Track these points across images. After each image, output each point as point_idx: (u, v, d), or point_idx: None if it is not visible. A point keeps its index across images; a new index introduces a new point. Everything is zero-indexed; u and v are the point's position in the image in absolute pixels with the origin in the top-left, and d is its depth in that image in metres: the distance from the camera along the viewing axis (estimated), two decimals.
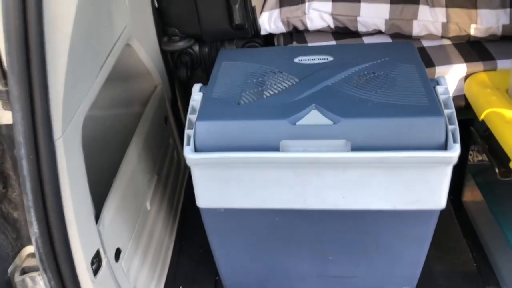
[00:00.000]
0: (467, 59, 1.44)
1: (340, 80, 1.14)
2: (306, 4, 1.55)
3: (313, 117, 1.04)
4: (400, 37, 1.54)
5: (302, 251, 1.24)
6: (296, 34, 1.63)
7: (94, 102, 1.46)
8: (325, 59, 1.24)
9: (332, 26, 1.57)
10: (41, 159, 0.88)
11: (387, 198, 1.07)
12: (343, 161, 1.01)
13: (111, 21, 1.19)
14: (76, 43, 0.92)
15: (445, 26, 1.48)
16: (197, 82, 1.22)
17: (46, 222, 0.93)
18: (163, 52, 1.69)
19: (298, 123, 1.03)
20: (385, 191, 1.06)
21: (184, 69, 1.74)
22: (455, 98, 1.48)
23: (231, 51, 1.36)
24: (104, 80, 1.14)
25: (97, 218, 1.14)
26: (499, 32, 1.46)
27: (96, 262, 1.11)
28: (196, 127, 1.06)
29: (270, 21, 1.60)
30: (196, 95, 1.16)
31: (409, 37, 1.53)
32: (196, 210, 1.22)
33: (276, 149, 1.04)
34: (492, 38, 1.49)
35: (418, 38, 1.54)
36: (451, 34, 1.49)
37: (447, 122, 1.00)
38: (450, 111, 1.03)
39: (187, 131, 1.08)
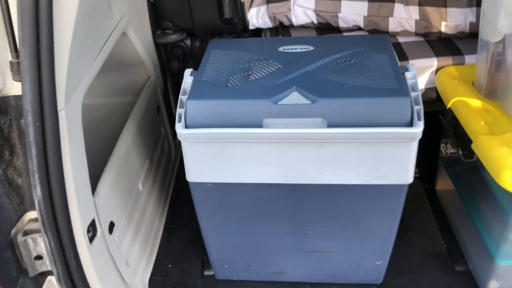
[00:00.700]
0: (438, 54, 1.56)
1: (319, 67, 1.25)
2: (291, 1, 1.67)
3: (294, 97, 1.15)
4: (378, 33, 1.65)
5: (284, 226, 1.34)
6: (282, 29, 1.75)
7: (93, 89, 1.56)
8: (306, 48, 1.35)
9: (315, 21, 1.68)
10: (46, 127, 0.97)
11: (359, 173, 1.18)
12: (319, 137, 1.11)
13: (110, 9, 1.29)
14: (79, 25, 1.01)
15: (418, 23, 1.60)
16: None
17: (48, 186, 1.02)
18: (157, 45, 1.79)
19: (280, 102, 1.14)
20: (358, 166, 1.16)
21: (176, 61, 1.84)
22: (428, 90, 1.60)
23: (221, 41, 1.46)
24: (102, 62, 1.24)
25: (93, 192, 1.23)
26: (467, 29, 1.59)
27: (92, 231, 1.19)
28: (187, 106, 1.16)
29: (258, 16, 1.71)
30: (188, 78, 1.26)
31: (386, 33, 1.65)
32: (187, 197, 1.31)
33: (259, 126, 1.14)
34: (461, 35, 1.62)
35: (394, 34, 1.66)
36: (423, 31, 1.62)
37: (413, 103, 1.11)
38: (416, 93, 1.14)
39: (179, 110, 1.18)
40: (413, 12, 1.59)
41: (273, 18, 1.70)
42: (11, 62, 0.96)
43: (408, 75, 1.21)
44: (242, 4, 1.69)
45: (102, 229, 1.25)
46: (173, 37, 1.79)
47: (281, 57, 1.31)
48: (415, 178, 1.90)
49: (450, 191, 1.68)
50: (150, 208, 1.65)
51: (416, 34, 1.64)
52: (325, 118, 1.12)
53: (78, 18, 0.99)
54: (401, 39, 1.65)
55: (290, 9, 1.67)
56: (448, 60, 1.56)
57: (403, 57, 1.57)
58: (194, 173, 1.23)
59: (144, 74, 1.74)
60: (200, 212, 1.33)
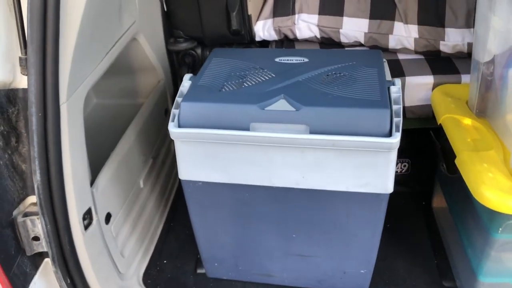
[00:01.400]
0: (435, 72, 1.60)
1: (309, 77, 1.32)
2: (296, 15, 1.75)
3: (280, 104, 1.21)
4: (378, 49, 1.71)
5: (270, 228, 1.40)
6: (286, 42, 1.82)
7: (104, 89, 1.67)
8: (301, 60, 1.42)
9: (318, 36, 1.75)
10: (48, 117, 1.07)
11: (340, 180, 1.23)
12: (301, 142, 1.17)
13: (120, 14, 1.40)
14: (85, 26, 1.11)
15: (417, 41, 1.65)
16: None
17: (47, 172, 1.12)
18: (169, 51, 1.90)
19: (267, 108, 1.20)
20: (339, 173, 1.21)
21: (186, 68, 1.94)
22: (424, 106, 1.64)
23: (223, 49, 1.55)
24: (109, 64, 1.34)
25: (92, 183, 1.33)
26: (465, 49, 1.62)
27: (88, 219, 1.28)
28: (181, 107, 1.24)
29: (264, 29, 1.80)
30: (186, 82, 1.35)
31: (386, 49, 1.70)
32: None
33: (247, 129, 1.21)
34: (460, 55, 1.65)
35: (394, 51, 1.71)
36: (423, 49, 1.66)
37: (393, 115, 1.16)
38: (398, 106, 1.19)
39: (174, 111, 1.26)
40: (412, 30, 1.64)
41: (278, 31, 1.78)
42: (20, 58, 1.07)
43: (393, 89, 1.26)
44: (249, 17, 1.78)
45: (98, 218, 1.34)
46: (184, 45, 1.89)
47: (276, 67, 1.39)
48: (413, 194, 1.94)
49: (444, 208, 1.70)
50: (150, 205, 1.73)
51: (416, 52, 1.69)
52: (308, 125, 1.18)
53: (83, 20, 1.09)
54: (400, 56, 1.70)
55: (294, 23, 1.74)
56: (445, 78, 1.60)
57: (401, 73, 1.62)
58: (186, 171, 1.30)
59: (154, 79, 1.85)
60: (191, 209, 1.41)
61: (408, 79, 1.60)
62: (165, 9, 1.83)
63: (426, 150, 1.88)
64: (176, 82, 2.01)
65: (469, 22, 1.61)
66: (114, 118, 1.74)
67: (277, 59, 1.44)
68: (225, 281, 1.60)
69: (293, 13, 1.75)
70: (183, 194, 1.95)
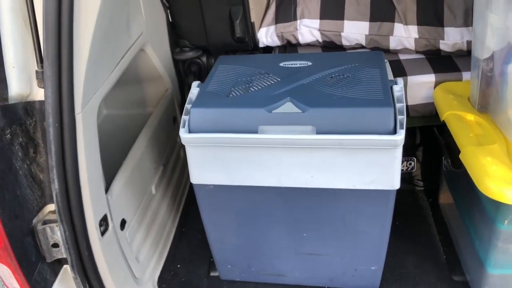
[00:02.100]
0: (436, 70, 1.64)
1: (314, 80, 1.36)
2: (298, 21, 1.79)
3: (287, 107, 1.25)
4: (379, 50, 1.75)
5: (281, 228, 1.43)
6: (289, 47, 1.87)
7: (114, 99, 1.71)
8: (305, 64, 1.46)
9: (320, 40, 1.79)
10: (64, 127, 1.12)
11: (348, 178, 1.26)
12: (308, 143, 1.21)
13: (128, 27, 1.45)
14: (97, 40, 1.16)
15: (417, 41, 1.69)
16: None
17: (65, 181, 1.16)
18: (175, 61, 1.95)
19: (274, 111, 1.24)
20: (346, 171, 1.25)
21: (192, 76, 1.99)
22: (426, 104, 1.67)
23: (228, 56, 1.59)
24: (119, 74, 1.39)
25: (107, 190, 1.37)
26: (464, 47, 1.66)
27: (104, 225, 1.32)
28: (191, 113, 1.28)
29: (267, 35, 1.84)
30: (194, 89, 1.40)
31: (387, 50, 1.74)
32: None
33: (255, 132, 1.25)
34: (460, 53, 1.69)
35: (395, 52, 1.75)
36: (423, 49, 1.70)
37: (397, 113, 1.20)
38: (401, 104, 1.23)
39: (184, 117, 1.31)
40: (412, 31, 1.68)
41: (281, 37, 1.82)
42: (36, 72, 1.11)
43: (396, 88, 1.29)
44: (252, 24, 1.83)
45: (113, 224, 1.37)
46: (190, 54, 1.94)
47: (281, 71, 1.43)
48: (420, 191, 1.97)
49: (451, 204, 1.73)
50: (162, 211, 1.77)
51: (417, 51, 1.73)
52: (315, 125, 1.21)
53: (95, 34, 1.14)
54: (402, 56, 1.74)
55: (296, 29, 1.79)
56: (446, 76, 1.63)
57: (403, 73, 1.66)
58: (197, 175, 1.34)
59: (162, 87, 1.89)
60: (204, 213, 1.44)
61: (410, 79, 1.64)
62: (170, 20, 1.88)
63: (431, 148, 1.91)
64: (183, 90, 2.05)
65: (467, 20, 1.64)
66: (124, 127, 1.78)
67: (281, 64, 1.48)
68: (238, 282, 1.63)
69: (295, 18, 1.79)
70: (193, 200, 1.99)
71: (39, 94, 1.15)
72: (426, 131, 1.87)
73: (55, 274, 1.28)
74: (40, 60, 1.09)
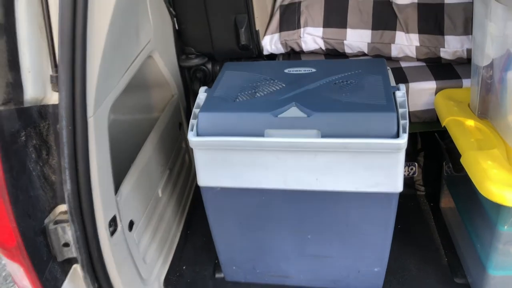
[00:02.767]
0: (437, 77, 1.68)
1: (318, 86, 1.39)
2: (301, 29, 1.83)
3: (292, 111, 1.29)
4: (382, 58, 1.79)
5: (286, 230, 1.46)
6: (293, 55, 1.91)
7: (122, 105, 1.75)
8: (309, 70, 1.50)
9: (323, 48, 1.84)
10: (77, 130, 1.15)
11: (352, 181, 1.30)
12: (313, 146, 1.25)
13: (137, 34, 1.49)
14: (108, 46, 1.20)
15: (418, 49, 1.73)
16: None
17: (77, 182, 1.19)
18: (181, 67, 1.99)
19: (280, 115, 1.28)
20: (350, 174, 1.28)
21: (198, 83, 2.03)
22: (427, 111, 1.71)
23: (234, 63, 1.63)
24: (128, 80, 1.43)
25: (116, 191, 1.40)
26: (464, 55, 1.70)
27: (113, 226, 1.35)
28: (199, 117, 1.32)
29: (271, 43, 1.89)
30: (202, 94, 1.44)
31: (389, 58, 1.78)
32: (203, 207, 1.46)
33: (261, 136, 1.28)
34: (460, 61, 1.73)
35: (397, 60, 1.79)
36: (424, 56, 1.74)
37: (400, 117, 1.23)
38: (404, 109, 1.26)
39: (192, 121, 1.34)
40: (414, 39, 1.72)
41: (285, 44, 1.87)
42: (51, 76, 1.15)
43: (398, 93, 1.33)
44: (257, 32, 1.87)
45: (122, 225, 1.41)
46: (196, 61, 1.98)
47: (286, 78, 1.47)
48: (421, 196, 2.01)
49: (452, 208, 1.76)
50: (168, 213, 1.80)
51: (418, 59, 1.77)
52: (320, 129, 1.25)
53: (107, 41, 1.18)
54: (403, 64, 1.78)
55: (300, 37, 1.83)
56: (447, 83, 1.67)
57: (404, 80, 1.69)
58: (204, 178, 1.38)
59: (168, 94, 1.93)
60: (210, 215, 1.48)
61: (412, 85, 1.67)
62: (177, 28, 1.92)
63: (432, 154, 1.95)
64: (189, 96, 2.09)
65: (467, 29, 1.69)
66: (130, 132, 1.82)
67: (286, 70, 1.52)
68: (243, 284, 1.66)
69: (299, 27, 1.84)
70: (198, 203, 2.03)
71: (52, 98, 1.18)
72: (427, 137, 1.91)
73: (65, 273, 1.31)
74: (55, 65, 1.13)
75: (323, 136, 1.25)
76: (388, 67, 1.50)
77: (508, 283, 1.42)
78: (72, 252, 1.26)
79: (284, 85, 1.42)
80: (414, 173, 1.97)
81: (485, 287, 1.45)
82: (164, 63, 1.82)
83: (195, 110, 1.37)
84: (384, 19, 1.77)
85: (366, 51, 1.79)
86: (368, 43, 1.76)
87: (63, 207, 1.28)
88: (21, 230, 1.14)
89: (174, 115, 1.92)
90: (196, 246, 1.85)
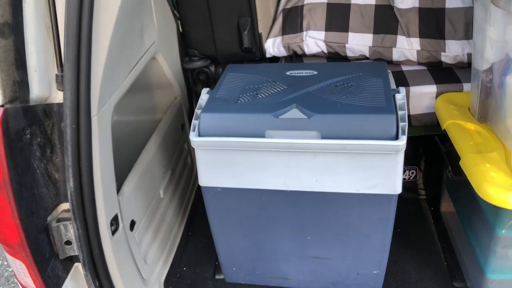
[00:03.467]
0: (438, 81, 1.69)
1: (319, 88, 1.41)
2: (304, 32, 1.85)
3: (293, 113, 1.31)
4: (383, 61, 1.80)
5: (285, 231, 1.47)
6: (295, 58, 1.93)
7: (126, 105, 1.78)
8: (311, 73, 1.51)
9: (325, 51, 1.85)
10: (80, 129, 1.17)
11: (351, 183, 1.31)
12: (313, 147, 1.26)
13: (141, 36, 1.51)
14: (113, 47, 1.22)
15: (419, 53, 1.74)
16: None
17: (79, 180, 1.21)
18: (184, 69, 2.01)
19: (281, 117, 1.30)
20: (350, 176, 1.29)
21: (201, 85, 2.05)
22: (428, 114, 1.72)
23: (236, 65, 1.65)
24: (132, 80, 1.45)
25: (118, 191, 1.42)
26: (465, 59, 1.71)
27: (115, 224, 1.37)
28: (201, 118, 1.34)
29: (274, 46, 1.91)
30: (204, 95, 1.45)
31: (390, 62, 1.79)
32: (204, 208, 1.47)
33: (262, 137, 1.30)
34: (461, 65, 1.74)
35: (398, 63, 1.81)
36: (425, 60, 1.75)
37: (399, 119, 1.25)
38: (403, 112, 1.28)
39: (194, 122, 1.36)
40: (415, 43, 1.74)
41: (287, 47, 1.89)
42: (56, 75, 1.17)
43: (398, 96, 1.34)
44: (260, 35, 1.89)
45: (124, 224, 1.42)
46: (199, 64, 2.00)
47: (287, 80, 1.48)
48: (422, 199, 2.01)
49: (452, 212, 1.76)
50: (169, 214, 1.82)
51: (419, 63, 1.78)
52: (320, 131, 1.27)
53: (112, 42, 1.20)
54: (404, 68, 1.79)
55: (302, 40, 1.85)
56: (447, 87, 1.69)
57: (405, 83, 1.71)
58: (205, 178, 1.39)
59: (171, 95, 1.95)
60: (211, 215, 1.49)
61: (412, 89, 1.69)
62: (181, 30, 1.94)
63: (432, 158, 1.96)
64: (191, 98, 2.11)
65: (468, 34, 1.70)
66: (133, 133, 1.84)
67: (287, 73, 1.53)
68: (243, 285, 1.67)
69: (301, 30, 1.86)
70: (199, 205, 2.05)
71: (57, 97, 1.20)
72: (428, 141, 1.92)
73: (67, 271, 1.33)
74: (60, 64, 1.15)
75: (323, 138, 1.26)
76: (388, 70, 1.52)
77: (506, 287, 1.43)
78: (74, 250, 1.28)
79: (285, 87, 1.44)
80: (415, 177, 1.98)
81: None
82: (168, 65, 1.84)
83: (197, 111, 1.39)
84: (385, 23, 1.79)
85: (367, 54, 1.80)
86: (370, 47, 1.78)
87: (65, 205, 1.29)
88: (24, 227, 1.16)
89: (177, 117, 1.93)
90: (197, 247, 1.87)
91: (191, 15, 1.90)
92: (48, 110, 1.21)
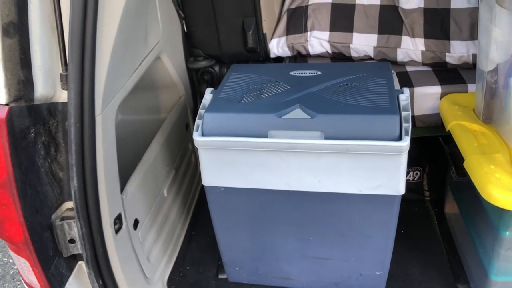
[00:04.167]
0: (442, 82, 1.69)
1: (323, 88, 1.41)
2: (308, 33, 1.85)
3: (296, 113, 1.31)
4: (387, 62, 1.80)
5: (288, 231, 1.47)
6: (299, 58, 1.93)
7: (130, 105, 1.79)
8: (315, 73, 1.51)
9: (329, 51, 1.85)
10: (84, 128, 1.18)
11: (354, 183, 1.31)
12: (316, 147, 1.26)
13: (146, 36, 1.52)
14: (117, 47, 1.23)
15: (424, 54, 1.74)
16: None
17: (83, 179, 1.22)
18: (189, 69, 2.02)
19: (284, 117, 1.30)
20: (353, 176, 1.29)
21: (205, 85, 2.06)
22: (432, 115, 1.71)
23: (240, 65, 1.65)
24: (136, 80, 1.45)
25: (122, 190, 1.43)
26: (470, 60, 1.70)
27: (118, 223, 1.38)
28: (204, 117, 1.34)
29: (278, 46, 1.91)
30: (207, 95, 1.46)
31: (395, 62, 1.79)
32: (208, 208, 1.48)
33: (265, 137, 1.30)
34: (466, 66, 1.73)
35: (402, 64, 1.80)
36: (430, 61, 1.75)
37: (402, 120, 1.24)
38: (407, 113, 1.27)
39: (197, 121, 1.36)
40: (419, 44, 1.73)
41: (291, 47, 1.89)
42: (61, 75, 1.18)
43: (402, 97, 1.34)
44: (264, 35, 1.89)
45: (127, 223, 1.43)
46: (203, 63, 2.01)
47: (291, 80, 1.48)
48: (426, 201, 2.01)
49: (456, 213, 1.76)
50: (173, 213, 1.82)
51: (423, 64, 1.78)
52: (323, 131, 1.27)
53: (116, 41, 1.21)
54: (409, 68, 1.79)
55: (307, 40, 1.85)
56: (452, 88, 1.68)
57: (409, 84, 1.70)
58: (208, 177, 1.40)
59: (176, 95, 1.96)
60: (214, 214, 1.49)
61: (417, 90, 1.68)
62: (185, 30, 1.95)
63: (437, 159, 1.95)
64: (196, 98, 2.12)
65: (473, 34, 1.69)
66: (137, 132, 1.85)
67: (291, 73, 1.53)
68: (245, 285, 1.67)
69: (306, 30, 1.86)
70: (203, 204, 2.05)
71: (62, 96, 1.21)
72: (432, 142, 1.91)
73: (70, 269, 1.34)
74: (65, 63, 1.16)
75: (326, 138, 1.26)
76: (393, 71, 1.52)
77: None
78: (78, 248, 1.29)
79: (289, 87, 1.44)
80: (419, 178, 1.97)
81: None
82: (172, 65, 1.84)
83: (201, 111, 1.39)
84: (390, 23, 1.78)
85: (372, 55, 1.80)
86: (374, 47, 1.78)
87: (69, 204, 1.30)
88: (28, 225, 1.17)
89: (181, 116, 1.94)
90: (200, 246, 1.87)
91: (196, 15, 1.90)
92: (52, 109, 1.22)
